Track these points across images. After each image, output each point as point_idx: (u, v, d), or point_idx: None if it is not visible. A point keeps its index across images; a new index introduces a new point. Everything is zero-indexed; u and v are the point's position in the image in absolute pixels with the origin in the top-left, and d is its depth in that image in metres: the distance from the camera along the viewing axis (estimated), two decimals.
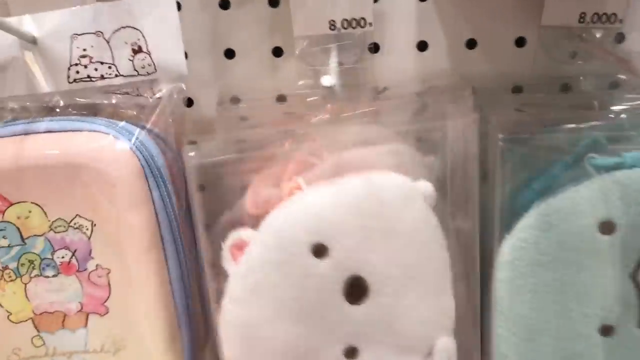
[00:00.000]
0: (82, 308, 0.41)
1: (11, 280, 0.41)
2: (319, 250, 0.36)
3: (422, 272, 0.37)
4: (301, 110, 0.39)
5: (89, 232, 0.39)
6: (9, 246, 0.40)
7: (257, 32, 0.42)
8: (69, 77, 0.38)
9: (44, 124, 0.38)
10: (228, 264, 0.37)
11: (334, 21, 0.39)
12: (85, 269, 0.40)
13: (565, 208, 0.35)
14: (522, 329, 0.37)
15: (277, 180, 0.38)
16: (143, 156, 0.37)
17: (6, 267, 0.40)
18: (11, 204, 0.39)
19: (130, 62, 0.38)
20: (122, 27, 0.37)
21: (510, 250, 0.36)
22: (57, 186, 0.38)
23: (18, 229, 0.39)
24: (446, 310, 0.38)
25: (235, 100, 0.44)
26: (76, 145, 0.37)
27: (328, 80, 0.36)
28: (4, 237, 0.39)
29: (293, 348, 0.37)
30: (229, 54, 0.44)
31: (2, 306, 0.41)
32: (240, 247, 0.37)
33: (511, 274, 0.36)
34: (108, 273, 0.40)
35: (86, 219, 0.39)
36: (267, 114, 0.42)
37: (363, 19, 0.39)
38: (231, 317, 0.37)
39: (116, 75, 0.38)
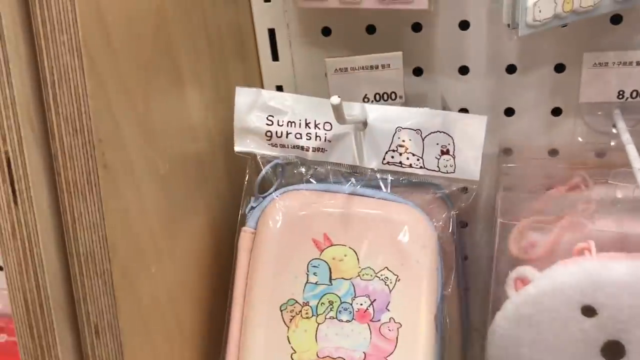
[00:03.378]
0: (364, 358, 0.43)
1: (307, 318, 0.43)
2: (588, 311, 0.41)
3: None
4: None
5: (391, 285, 0.43)
6: (316, 283, 0.43)
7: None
8: (384, 159, 0.45)
9: (370, 190, 0.44)
10: (510, 289, 0.43)
11: (623, 91, 0.46)
12: (379, 320, 0.42)
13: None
14: None
15: (544, 228, 0.45)
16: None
17: (306, 304, 0.43)
18: (332, 245, 0.44)
19: (437, 160, 0.44)
20: (438, 132, 0.44)
21: None
22: (375, 237, 0.43)
23: (330, 269, 0.43)
24: None
25: (509, 152, 0.51)
26: (395, 211, 0.44)
27: None
28: (315, 274, 0.43)
29: None
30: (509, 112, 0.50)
31: (290, 343, 0.43)
32: (523, 281, 0.43)
33: None
34: (399, 328, 0.42)
35: (393, 272, 0.43)
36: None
37: None
38: (499, 330, 0.44)
39: (421, 167, 0.44)
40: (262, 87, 0.53)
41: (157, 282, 0.38)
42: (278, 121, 0.44)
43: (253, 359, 0.43)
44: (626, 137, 0.45)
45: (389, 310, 0.43)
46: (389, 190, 0.44)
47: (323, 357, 0.43)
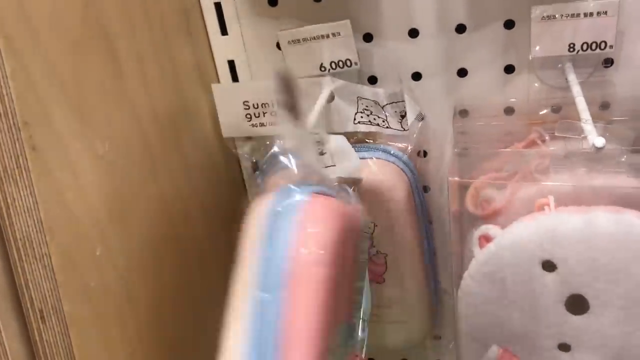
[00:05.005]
0: None
1: None
2: (548, 266, 0.41)
3: None
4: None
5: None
6: None
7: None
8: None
9: None
10: (475, 248, 0.44)
11: (573, 44, 0.45)
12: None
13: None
14: None
15: (499, 184, 0.45)
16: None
17: None
18: None
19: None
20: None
21: None
22: None
23: None
24: None
25: (464, 113, 0.51)
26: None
27: (600, 141, 0.38)
28: None
29: (512, 327, 0.44)
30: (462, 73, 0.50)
31: None
32: (487, 238, 0.43)
33: None
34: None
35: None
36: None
37: (604, 42, 0.44)
38: (467, 288, 0.44)
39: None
40: (213, 62, 0.52)
41: (104, 266, 0.37)
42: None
43: None
44: (576, 90, 0.44)
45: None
46: None
47: None
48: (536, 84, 0.49)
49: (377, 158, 0.47)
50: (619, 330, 0.41)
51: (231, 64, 0.52)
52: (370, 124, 0.49)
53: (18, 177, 0.31)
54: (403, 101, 0.49)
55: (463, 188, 0.47)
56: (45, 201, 0.32)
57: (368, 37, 0.49)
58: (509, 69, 0.49)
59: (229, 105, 0.50)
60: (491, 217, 0.46)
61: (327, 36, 0.47)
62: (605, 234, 0.39)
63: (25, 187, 0.32)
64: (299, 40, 0.48)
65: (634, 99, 0.48)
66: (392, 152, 0.48)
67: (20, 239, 0.32)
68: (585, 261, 0.40)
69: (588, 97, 0.43)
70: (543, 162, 0.45)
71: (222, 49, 0.52)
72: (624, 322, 0.41)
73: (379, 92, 0.50)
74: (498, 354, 0.46)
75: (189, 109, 0.49)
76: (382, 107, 0.49)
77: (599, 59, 0.47)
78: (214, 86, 0.50)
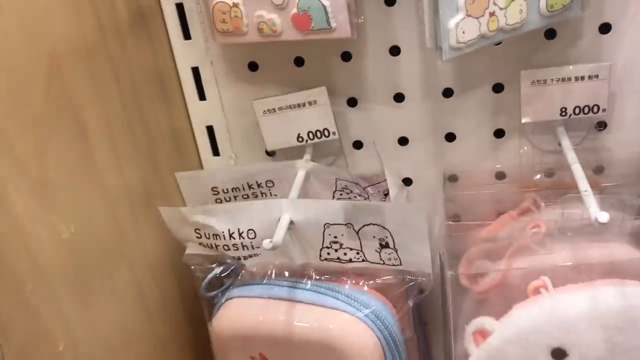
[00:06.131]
0: None
1: None
2: (558, 355, 0.38)
3: None
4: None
5: None
6: None
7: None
8: (320, 256, 0.42)
9: (307, 294, 0.41)
10: (470, 346, 0.39)
11: (565, 108, 0.43)
12: None
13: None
14: None
15: (494, 255, 0.41)
16: (386, 340, 0.40)
17: None
18: None
19: (377, 252, 0.40)
20: (372, 224, 0.40)
21: None
22: (311, 356, 0.40)
23: None
24: None
25: (453, 178, 0.48)
26: (337, 330, 0.40)
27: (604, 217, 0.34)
28: None
29: None
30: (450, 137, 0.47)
31: None
32: (483, 334, 0.39)
33: None
34: None
35: None
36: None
37: (596, 105, 0.42)
38: None
39: (363, 260, 0.41)
40: (191, 128, 0.50)
41: None
42: (205, 234, 0.43)
43: None
44: (571, 156, 0.43)
45: None
46: None
47: None
48: (527, 148, 0.47)
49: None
50: None
51: (209, 129, 0.50)
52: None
53: None
54: (384, 180, 0.46)
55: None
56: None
57: (352, 102, 0.47)
58: (499, 134, 0.47)
59: (197, 193, 0.47)
60: (484, 292, 0.43)
61: (304, 105, 0.46)
62: (614, 311, 0.37)
63: None
64: (274, 110, 0.46)
65: (629, 161, 0.46)
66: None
67: None
68: (598, 343, 0.37)
69: (582, 161, 0.42)
70: (539, 231, 0.42)
71: (201, 114, 0.49)
72: None
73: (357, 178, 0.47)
74: None
75: (164, 182, 0.46)
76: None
77: (591, 122, 0.45)
78: (178, 175, 0.47)
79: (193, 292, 0.46)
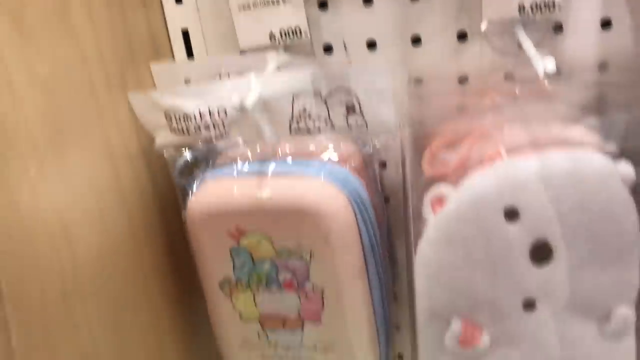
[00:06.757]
0: (300, 317, 0.46)
1: (242, 291, 0.47)
2: (511, 214, 0.40)
3: (608, 246, 0.40)
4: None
5: (308, 260, 0.44)
6: (241, 266, 0.45)
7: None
8: (290, 129, 0.44)
9: (277, 167, 0.43)
10: (428, 213, 0.41)
11: (523, 6, 0.44)
12: (304, 287, 0.45)
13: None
14: None
15: (454, 145, 0.44)
16: (356, 202, 0.42)
17: (239, 280, 0.46)
18: (245, 234, 0.44)
19: (345, 117, 0.43)
20: (338, 87, 0.43)
21: None
22: (287, 222, 0.43)
23: (250, 253, 0.45)
24: (629, 283, 0.40)
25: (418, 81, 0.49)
26: (309, 193, 0.42)
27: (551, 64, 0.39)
28: (238, 258, 0.45)
29: (476, 291, 0.41)
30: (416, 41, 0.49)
31: (235, 309, 0.48)
32: (440, 200, 0.41)
33: None
34: (322, 291, 0.45)
35: (307, 250, 0.43)
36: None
37: (553, 2, 0.44)
38: (425, 257, 0.42)
39: (332, 127, 0.43)
40: (167, 32, 0.51)
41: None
42: (175, 117, 0.44)
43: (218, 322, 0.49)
44: (533, 53, 0.44)
45: (309, 280, 0.45)
46: None
47: (267, 317, 0.47)
48: (489, 51, 0.49)
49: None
50: (585, 273, 0.40)
51: (184, 33, 0.51)
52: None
53: None
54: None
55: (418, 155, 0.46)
56: None
57: (323, 6, 0.49)
58: (463, 36, 0.49)
59: (170, 85, 0.49)
60: (448, 177, 0.45)
61: (277, 2, 0.47)
62: (562, 172, 0.39)
63: None
64: (249, 6, 0.47)
65: (582, 67, 0.48)
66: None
67: None
68: (547, 202, 0.39)
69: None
70: (498, 119, 0.44)
71: (177, 18, 0.51)
72: (589, 263, 0.40)
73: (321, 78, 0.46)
74: (461, 327, 0.44)
75: (140, 74, 0.47)
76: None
77: (548, 24, 0.47)
78: (154, 66, 0.49)
79: (168, 181, 0.47)
